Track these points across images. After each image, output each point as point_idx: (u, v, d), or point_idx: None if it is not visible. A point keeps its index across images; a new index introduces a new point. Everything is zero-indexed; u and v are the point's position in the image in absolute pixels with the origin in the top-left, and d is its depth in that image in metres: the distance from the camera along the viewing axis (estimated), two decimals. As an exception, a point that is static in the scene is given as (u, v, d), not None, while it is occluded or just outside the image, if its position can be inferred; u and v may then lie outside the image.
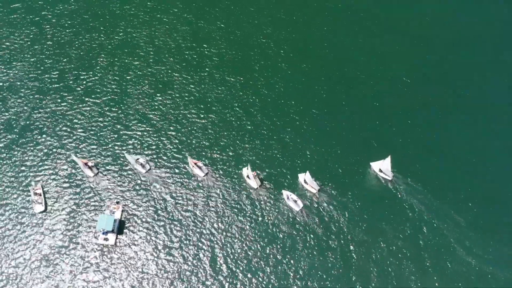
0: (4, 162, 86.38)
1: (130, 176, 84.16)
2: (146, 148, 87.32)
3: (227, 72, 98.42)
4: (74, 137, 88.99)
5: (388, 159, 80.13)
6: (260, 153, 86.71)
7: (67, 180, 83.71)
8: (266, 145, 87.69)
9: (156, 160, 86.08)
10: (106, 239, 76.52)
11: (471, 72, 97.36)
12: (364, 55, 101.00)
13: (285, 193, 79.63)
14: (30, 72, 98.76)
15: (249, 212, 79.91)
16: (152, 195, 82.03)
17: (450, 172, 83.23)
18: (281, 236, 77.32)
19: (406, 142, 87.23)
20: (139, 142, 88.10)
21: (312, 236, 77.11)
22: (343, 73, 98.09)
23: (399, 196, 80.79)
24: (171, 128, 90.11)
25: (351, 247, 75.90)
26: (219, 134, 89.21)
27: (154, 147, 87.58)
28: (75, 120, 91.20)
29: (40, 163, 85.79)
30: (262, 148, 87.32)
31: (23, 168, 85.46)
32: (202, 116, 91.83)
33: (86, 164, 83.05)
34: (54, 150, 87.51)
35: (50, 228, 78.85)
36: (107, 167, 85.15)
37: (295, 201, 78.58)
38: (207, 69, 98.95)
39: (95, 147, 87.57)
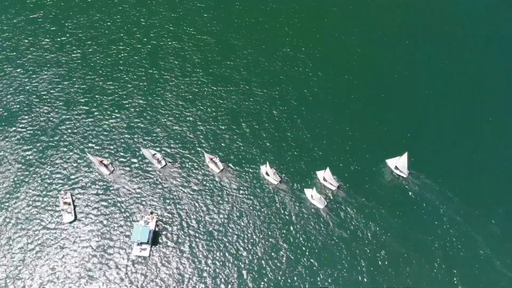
0: (33, 172, 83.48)
1: (147, 174, 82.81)
2: (173, 157, 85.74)
3: (251, 78, 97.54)
4: (102, 147, 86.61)
5: (405, 156, 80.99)
6: (276, 152, 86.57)
7: (95, 188, 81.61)
8: (282, 143, 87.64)
9: (175, 157, 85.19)
10: (142, 250, 74.02)
11: (471, 72, 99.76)
12: (368, 55, 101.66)
13: (308, 191, 79.69)
14: (56, 84, 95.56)
15: (271, 209, 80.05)
16: (169, 195, 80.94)
17: (467, 171, 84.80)
18: (303, 234, 77.65)
19: (419, 140, 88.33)
20: (164, 151, 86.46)
21: (333, 234, 77.64)
22: (354, 74, 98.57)
23: (415, 194, 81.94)
24: (196, 135, 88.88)
25: (370, 247, 76.75)
26: (236, 134, 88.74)
27: (178, 155, 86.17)
28: (102, 132, 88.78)
29: (69, 172, 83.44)
30: (279, 146, 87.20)
31: (52, 177, 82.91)
32: (217, 113, 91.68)
33: (101, 162, 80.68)
34: (82, 159, 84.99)
35: (80, 238, 76.35)
36: (127, 168, 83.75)
37: (319, 199, 78.70)
38: (232, 79, 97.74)
39: (123, 157, 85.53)
